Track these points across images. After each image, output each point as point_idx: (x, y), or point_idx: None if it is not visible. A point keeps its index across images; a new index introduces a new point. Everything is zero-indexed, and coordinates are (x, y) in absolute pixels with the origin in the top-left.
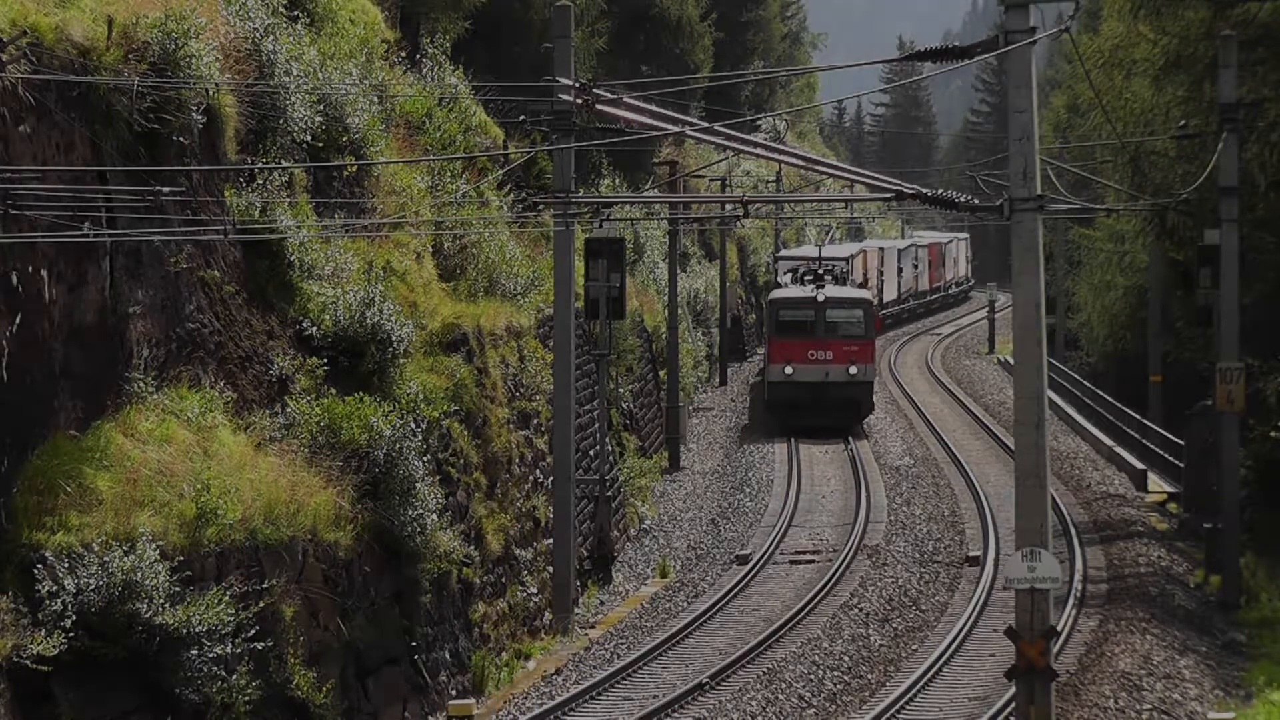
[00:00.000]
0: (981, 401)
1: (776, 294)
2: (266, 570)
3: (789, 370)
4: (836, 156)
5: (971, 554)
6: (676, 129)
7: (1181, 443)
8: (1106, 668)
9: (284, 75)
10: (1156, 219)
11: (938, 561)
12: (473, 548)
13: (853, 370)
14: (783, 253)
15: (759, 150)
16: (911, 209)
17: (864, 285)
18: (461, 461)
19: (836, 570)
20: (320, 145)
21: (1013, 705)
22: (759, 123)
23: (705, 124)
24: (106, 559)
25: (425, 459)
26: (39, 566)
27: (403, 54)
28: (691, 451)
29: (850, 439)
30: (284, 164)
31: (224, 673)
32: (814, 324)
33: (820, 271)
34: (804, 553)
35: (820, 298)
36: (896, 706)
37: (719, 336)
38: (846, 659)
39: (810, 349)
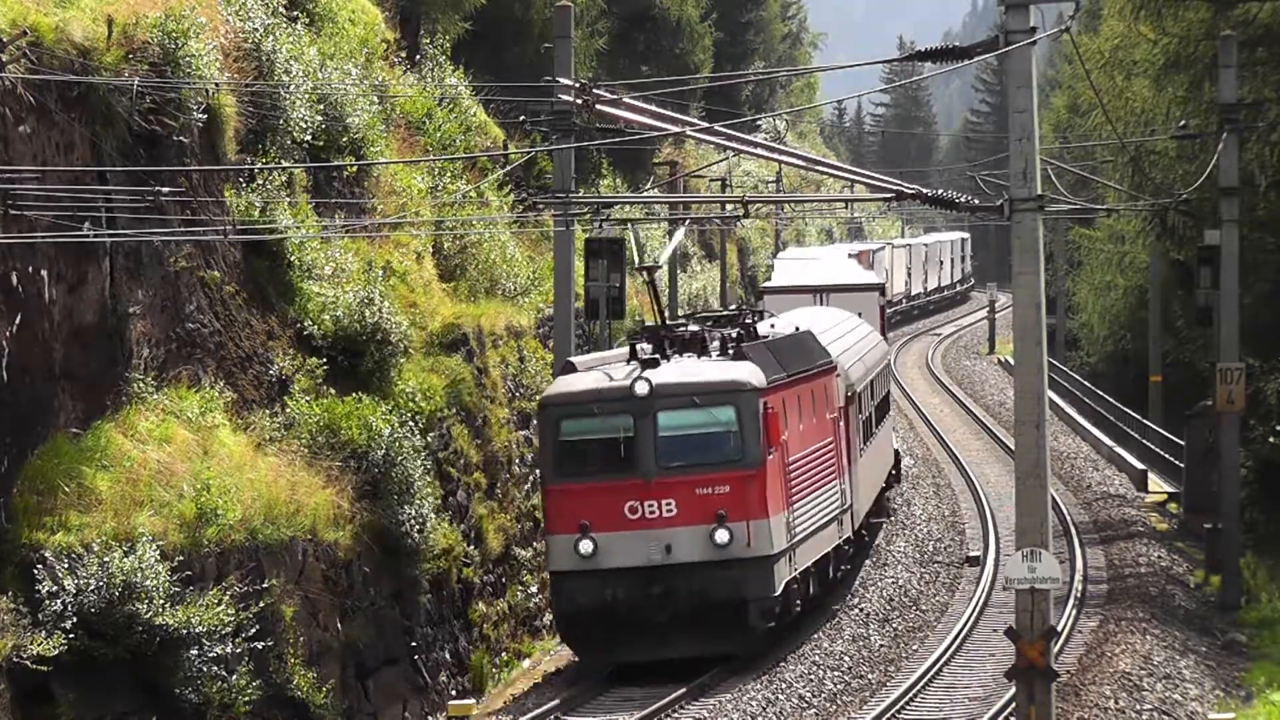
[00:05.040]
0: (981, 401)
1: (559, 387)
2: (266, 570)
3: (586, 548)
4: (836, 156)
5: (971, 554)
6: (676, 129)
7: (1181, 443)
8: (1107, 668)
9: (284, 75)
10: (1156, 219)
11: (938, 561)
12: (473, 548)
13: (721, 536)
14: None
15: (759, 150)
16: (911, 209)
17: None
18: (461, 461)
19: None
20: (320, 145)
21: (1013, 705)
22: (759, 123)
23: (705, 124)
24: (106, 559)
25: (425, 459)
26: (39, 566)
27: (403, 54)
28: None
29: None
30: (284, 164)
31: (224, 673)
32: (634, 446)
33: (668, 335)
34: None
35: (641, 389)
36: (896, 707)
37: None
38: (847, 659)
39: (629, 499)
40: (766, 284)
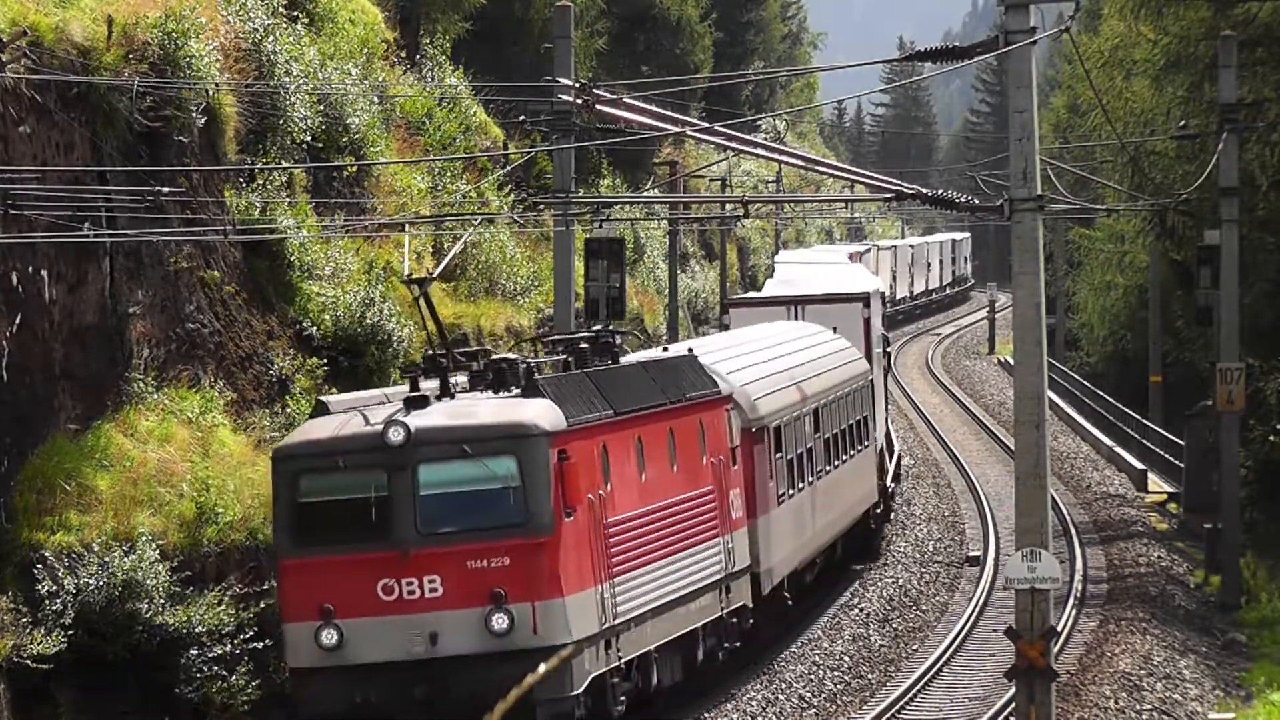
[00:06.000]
0: (981, 401)
1: (298, 435)
2: (267, 570)
3: (329, 638)
4: (836, 157)
5: (971, 554)
6: (676, 129)
7: (1181, 443)
8: (1107, 668)
9: (284, 75)
10: (1156, 219)
11: (938, 561)
12: None
13: (499, 622)
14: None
15: (759, 150)
16: (911, 209)
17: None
18: None
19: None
20: (320, 145)
21: (1013, 705)
22: (759, 123)
23: (705, 124)
24: (106, 559)
25: None
26: (39, 566)
27: (403, 54)
28: None
29: None
30: (284, 164)
31: (224, 672)
32: (389, 508)
33: (458, 366)
34: None
35: (396, 437)
36: (896, 707)
37: None
38: (847, 659)
39: (383, 575)
40: (730, 299)
